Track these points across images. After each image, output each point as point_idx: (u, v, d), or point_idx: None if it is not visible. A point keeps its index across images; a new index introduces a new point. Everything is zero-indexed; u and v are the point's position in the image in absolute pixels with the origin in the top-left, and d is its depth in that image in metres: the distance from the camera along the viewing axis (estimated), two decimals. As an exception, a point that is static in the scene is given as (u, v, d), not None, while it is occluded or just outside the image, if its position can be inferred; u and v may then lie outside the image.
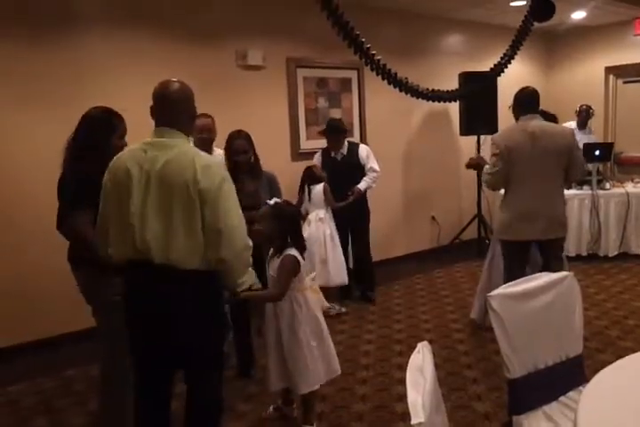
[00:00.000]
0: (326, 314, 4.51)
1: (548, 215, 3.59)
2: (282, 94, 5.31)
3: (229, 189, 2.14)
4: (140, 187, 2.10)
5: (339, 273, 4.61)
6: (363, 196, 4.90)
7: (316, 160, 4.90)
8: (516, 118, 3.71)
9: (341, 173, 4.76)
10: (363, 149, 4.89)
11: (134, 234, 2.10)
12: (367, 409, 3.16)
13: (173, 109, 2.19)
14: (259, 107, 5.11)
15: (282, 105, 5.32)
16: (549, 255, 3.72)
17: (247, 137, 3.51)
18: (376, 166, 4.88)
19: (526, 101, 3.66)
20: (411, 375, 1.41)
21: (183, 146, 2.17)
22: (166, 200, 2.08)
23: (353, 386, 3.44)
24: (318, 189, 4.57)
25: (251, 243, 2.24)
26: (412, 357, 1.50)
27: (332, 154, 4.84)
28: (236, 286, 2.27)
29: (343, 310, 4.75)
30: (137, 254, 2.14)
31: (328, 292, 4.36)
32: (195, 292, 2.18)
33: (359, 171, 4.85)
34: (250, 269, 2.30)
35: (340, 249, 4.68)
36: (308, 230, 4.46)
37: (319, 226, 4.56)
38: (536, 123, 3.59)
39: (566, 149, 3.55)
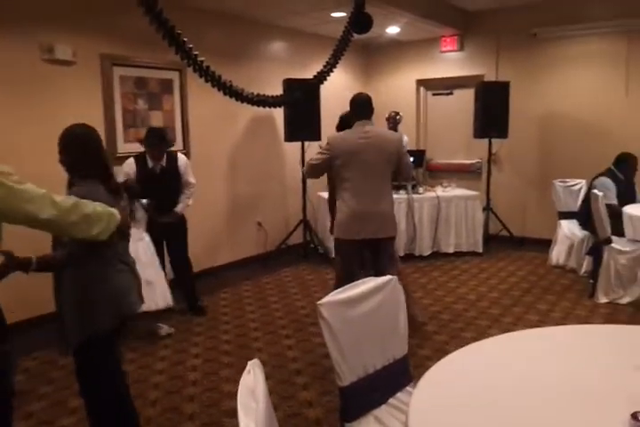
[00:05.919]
0: (157, 334, 4.27)
1: (380, 215, 3.77)
2: (96, 93, 4.89)
3: None
4: None
5: (165, 295, 4.23)
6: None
7: (129, 168, 4.43)
8: (352, 123, 3.80)
9: (161, 186, 4.43)
10: (181, 159, 4.63)
11: None
12: (196, 428, 2.99)
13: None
14: (70, 105, 4.65)
15: (96, 105, 4.90)
16: (381, 254, 3.85)
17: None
18: (192, 179, 4.68)
19: (360, 108, 3.81)
20: (242, 399, 1.30)
21: None
22: None
23: (180, 404, 3.24)
24: (140, 204, 4.10)
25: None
26: (243, 377, 1.38)
27: (151, 165, 4.47)
28: None
29: (172, 330, 4.40)
30: None
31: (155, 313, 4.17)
32: None
33: (179, 183, 4.61)
34: None
35: (162, 270, 4.36)
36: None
37: (140, 246, 4.06)
38: (369, 128, 3.77)
39: (396, 153, 3.78)
